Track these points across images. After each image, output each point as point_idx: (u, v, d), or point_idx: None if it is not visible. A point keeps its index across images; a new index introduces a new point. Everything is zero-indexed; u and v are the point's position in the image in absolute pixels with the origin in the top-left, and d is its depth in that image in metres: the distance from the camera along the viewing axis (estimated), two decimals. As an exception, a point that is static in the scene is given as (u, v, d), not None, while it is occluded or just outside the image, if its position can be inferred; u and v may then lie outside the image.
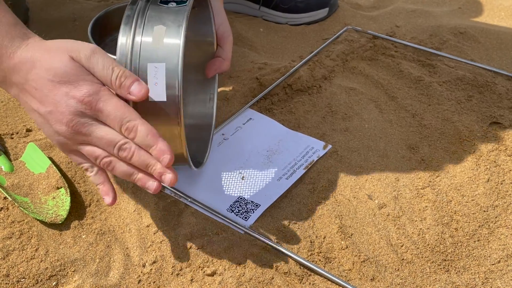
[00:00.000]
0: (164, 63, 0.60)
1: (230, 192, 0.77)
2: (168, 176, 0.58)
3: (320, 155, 0.84)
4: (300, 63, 1.05)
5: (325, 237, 0.72)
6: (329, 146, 0.86)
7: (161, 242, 0.69)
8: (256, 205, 0.75)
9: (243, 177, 0.80)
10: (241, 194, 0.77)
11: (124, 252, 0.68)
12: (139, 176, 0.59)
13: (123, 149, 0.57)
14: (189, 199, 0.74)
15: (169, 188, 0.76)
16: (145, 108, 0.59)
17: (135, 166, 0.59)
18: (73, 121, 0.57)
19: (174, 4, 0.63)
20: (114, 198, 0.63)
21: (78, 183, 0.78)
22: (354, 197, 0.78)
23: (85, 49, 0.58)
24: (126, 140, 0.57)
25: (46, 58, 0.58)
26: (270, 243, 0.68)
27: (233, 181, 0.79)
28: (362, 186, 0.80)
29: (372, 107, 0.97)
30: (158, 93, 0.59)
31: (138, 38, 0.61)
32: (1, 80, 0.62)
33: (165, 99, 0.59)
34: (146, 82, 0.59)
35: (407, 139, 0.89)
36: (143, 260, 0.67)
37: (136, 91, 0.57)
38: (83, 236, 0.70)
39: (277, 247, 0.68)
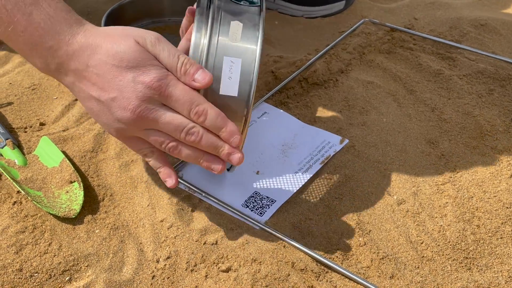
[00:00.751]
0: (241, 58, 0.60)
1: (245, 187, 0.76)
2: (236, 156, 0.59)
3: (336, 149, 0.83)
4: (316, 56, 1.04)
5: (342, 233, 0.70)
6: (346, 141, 0.85)
7: (175, 237, 0.68)
8: (272, 201, 0.74)
9: (258, 172, 0.79)
10: (256, 189, 0.76)
11: (137, 247, 0.68)
12: (205, 158, 0.60)
13: (191, 133, 0.58)
14: (203, 194, 0.74)
15: (183, 182, 0.75)
16: (213, 99, 0.59)
17: (201, 149, 0.60)
18: (140, 107, 0.57)
19: (246, 3, 0.63)
20: (176, 180, 0.64)
21: (92, 177, 0.77)
22: (372, 193, 0.76)
23: (150, 35, 0.58)
24: (194, 124, 0.57)
25: (110, 43, 0.57)
26: (286, 239, 0.67)
27: (248, 176, 0.78)
28: (381, 182, 0.78)
29: (390, 101, 0.95)
30: (231, 88, 0.59)
31: (214, 32, 0.60)
32: (56, 68, 0.59)
33: (236, 95, 0.59)
34: (220, 77, 0.59)
35: (426, 133, 0.88)
36: (157, 255, 0.66)
37: (200, 78, 0.57)
38: (97, 231, 0.69)
39: (293, 243, 0.67)
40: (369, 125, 0.89)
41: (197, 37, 0.61)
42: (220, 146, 0.59)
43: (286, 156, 0.82)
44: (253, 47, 0.60)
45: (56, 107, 0.91)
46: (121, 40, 0.57)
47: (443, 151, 0.84)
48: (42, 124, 0.87)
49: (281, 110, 0.91)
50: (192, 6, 0.69)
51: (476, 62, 1.03)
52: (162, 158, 0.64)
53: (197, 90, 0.59)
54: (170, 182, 0.64)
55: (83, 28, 0.59)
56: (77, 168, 0.78)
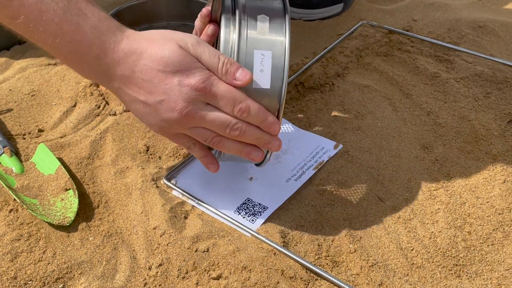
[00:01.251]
0: (271, 51, 0.61)
1: (238, 194, 0.76)
2: (276, 143, 0.63)
3: (330, 155, 0.83)
4: (313, 60, 1.04)
5: (333, 240, 0.70)
6: (340, 146, 0.85)
7: (167, 244, 0.68)
8: (264, 208, 0.74)
9: (251, 178, 0.79)
10: (248, 196, 0.76)
11: (130, 255, 0.68)
12: (246, 149, 0.64)
13: (235, 129, 0.61)
14: (196, 201, 0.74)
15: (176, 189, 0.76)
16: (247, 94, 0.61)
17: (243, 141, 0.63)
18: (187, 108, 0.59)
19: None
20: (218, 166, 0.68)
21: (87, 184, 0.78)
22: (364, 199, 0.76)
23: (190, 38, 0.60)
24: (237, 121, 0.61)
25: (154, 48, 0.59)
26: (276, 246, 0.68)
27: (241, 182, 0.78)
28: (373, 188, 0.78)
29: (386, 105, 0.95)
30: (263, 80, 0.61)
31: (243, 26, 0.62)
32: (102, 74, 0.61)
33: (268, 87, 0.61)
34: (252, 70, 0.61)
35: (421, 138, 0.87)
36: (149, 262, 0.67)
37: (241, 76, 0.60)
38: (90, 238, 0.70)
39: (283, 250, 0.67)
40: (364, 130, 0.89)
41: (226, 32, 0.62)
42: (261, 136, 0.62)
43: (280, 162, 0.82)
44: (282, 39, 0.62)
45: (54, 113, 0.92)
46: (164, 45, 0.59)
47: (437, 156, 0.84)
48: (40, 130, 0.88)
49: None
50: (205, 8, 0.71)
51: (474, 64, 1.03)
52: (203, 148, 0.67)
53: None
54: (213, 168, 0.68)
55: (126, 34, 0.61)
56: (73, 175, 0.79)
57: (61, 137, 0.86)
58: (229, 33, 0.62)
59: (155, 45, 0.59)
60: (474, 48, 1.08)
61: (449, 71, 1.02)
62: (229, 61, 0.60)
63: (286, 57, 0.62)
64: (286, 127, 0.89)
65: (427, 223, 0.73)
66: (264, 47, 0.61)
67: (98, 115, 0.90)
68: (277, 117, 0.63)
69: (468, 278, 0.66)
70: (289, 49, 0.62)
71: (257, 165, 0.72)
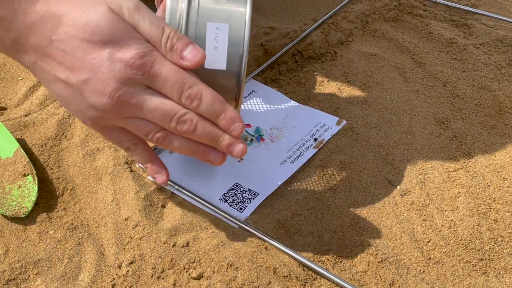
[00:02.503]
0: (228, 24, 0.51)
1: (224, 178, 0.69)
2: (239, 147, 0.51)
3: (333, 132, 0.75)
4: (313, 26, 0.95)
5: (335, 231, 0.63)
6: (344, 122, 0.77)
7: (140, 238, 0.61)
8: (254, 194, 0.66)
9: (241, 159, 0.71)
10: (236, 181, 0.68)
11: (97, 251, 0.61)
12: (201, 149, 0.53)
13: (182, 122, 0.50)
14: (176, 187, 0.67)
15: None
16: (197, 76, 0.50)
17: (194, 139, 0.52)
18: (119, 91, 0.48)
19: None
20: (167, 175, 0.57)
21: (51, 168, 0.70)
22: (372, 183, 0.69)
23: (127, 2, 0.49)
24: (186, 111, 0.49)
25: (78, 11, 0.48)
26: (268, 239, 0.60)
27: (228, 165, 0.70)
28: (382, 169, 0.70)
29: (396, 75, 0.87)
30: (217, 60, 0.51)
31: None
32: (11, 44, 0.50)
33: (224, 68, 0.51)
34: (204, 48, 0.51)
35: (436, 112, 0.79)
36: (119, 260, 0.59)
37: (190, 55, 0.48)
38: (51, 232, 0.62)
39: (277, 244, 0.60)
40: (370, 104, 0.81)
41: (173, 1, 0.51)
42: (219, 137, 0.51)
43: (273, 142, 0.74)
44: (242, 9, 0.52)
45: (20, 89, 0.83)
46: (91, 7, 0.48)
47: (455, 132, 0.76)
48: (3, 108, 0.80)
49: (271, 88, 0.84)
50: None
51: (495, 28, 0.95)
52: (148, 151, 0.56)
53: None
54: (161, 178, 0.56)
55: None
56: (35, 159, 0.70)
57: (25, 116, 0.78)
58: (176, 2, 0.51)
59: (80, 8, 0.48)
60: (495, 10, 1.01)
61: (467, 37, 0.94)
62: (176, 34, 0.49)
63: (246, 31, 0.51)
64: (282, 101, 0.81)
65: (446, 210, 0.65)
66: (220, 19, 0.51)
67: (68, 90, 0.81)
68: (235, 106, 0.52)
69: (496, 275, 0.57)
70: (249, 22, 0.51)
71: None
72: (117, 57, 0.47)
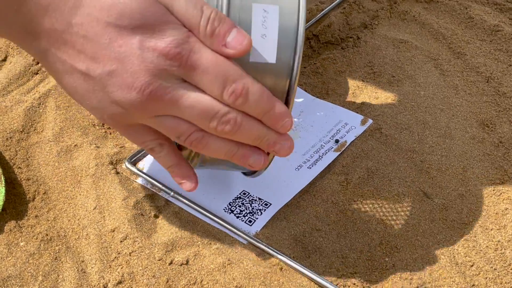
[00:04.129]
0: (278, 5, 0.51)
1: (230, 185, 0.71)
2: (287, 144, 0.53)
3: (357, 133, 0.78)
4: (332, 5, 0.99)
5: (362, 251, 0.66)
6: (370, 121, 0.80)
7: (130, 254, 0.64)
8: (265, 204, 0.69)
9: None
10: (244, 188, 0.71)
11: (77, 267, 0.63)
12: (240, 152, 0.54)
13: (225, 122, 0.51)
14: (172, 193, 0.70)
15: (144, 176, 0.71)
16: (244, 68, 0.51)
17: (237, 140, 0.53)
18: (151, 85, 0.49)
19: None
20: (197, 181, 0.58)
21: (19, 167, 0.72)
22: (404, 194, 0.71)
23: None
24: (228, 109, 0.50)
25: None
26: (283, 258, 0.63)
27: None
28: (416, 179, 0.73)
29: (430, 67, 0.90)
30: (265, 51, 0.51)
31: None
32: (20, 29, 0.51)
33: (274, 61, 0.51)
34: (248, 33, 0.51)
35: (479, 112, 0.83)
36: (104, 279, 0.62)
37: (234, 42, 0.49)
38: (22, 244, 0.65)
39: (294, 264, 0.62)
40: (401, 100, 0.84)
41: None
42: (264, 135, 0.52)
43: None
44: None
45: (-23, 70, 0.85)
46: None
47: (501, 137, 0.79)
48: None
49: None
50: None
51: None
52: (174, 153, 0.58)
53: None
54: (189, 185, 0.58)
55: None
56: None
57: (-15, 103, 0.79)
58: None
59: None
60: (547, -6, 1.03)
61: (514, 24, 0.97)
62: (218, 15, 0.49)
63: (301, 16, 0.52)
64: (296, 95, 0.83)
65: (491, 229, 0.68)
66: (268, 0, 0.52)
67: (37, 73, 0.84)
68: (286, 105, 0.54)
69: (550, 307, 0.60)
70: (305, 4, 0.52)
71: (247, 174, 0.63)
72: (149, 46, 0.48)
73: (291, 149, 0.54)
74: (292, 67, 0.52)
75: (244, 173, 0.63)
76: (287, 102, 0.53)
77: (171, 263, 0.62)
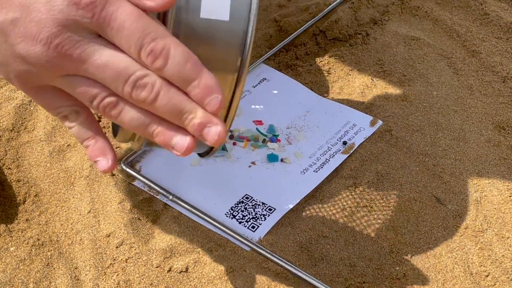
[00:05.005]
0: None
1: (232, 188, 0.72)
2: (215, 130, 0.48)
3: (366, 135, 0.79)
4: None
5: (371, 259, 0.66)
6: (379, 123, 0.81)
7: (126, 260, 0.64)
8: (269, 209, 0.69)
9: (252, 163, 0.74)
10: (247, 192, 0.71)
11: (71, 274, 0.63)
12: (160, 129, 0.50)
13: (141, 86, 0.48)
14: (170, 197, 0.70)
15: (141, 178, 0.71)
16: (186, 29, 0.49)
17: (154, 112, 0.50)
18: (59, 37, 0.47)
19: None
20: (114, 161, 0.53)
21: (9, 168, 0.73)
22: (416, 200, 0.72)
23: None
24: (146, 72, 0.48)
25: None
26: (288, 266, 0.63)
27: (236, 171, 0.74)
28: (428, 184, 0.74)
29: (443, 66, 0.90)
30: (216, 7, 0.49)
31: None
32: None
33: (227, 19, 0.49)
34: None
35: (494, 114, 0.83)
36: (99, 287, 0.62)
37: None
38: (12, 249, 0.65)
39: (299, 273, 0.63)
40: (412, 101, 0.84)
41: None
42: (189, 111, 0.49)
43: (292, 144, 0.78)
44: None
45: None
46: None
47: None
48: None
49: (287, 76, 0.87)
50: None
51: None
52: (92, 124, 0.54)
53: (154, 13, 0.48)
54: (104, 163, 0.53)
55: None
56: None
57: (-27, 99, 0.80)
58: None
59: None
60: None
61: (531, 21, 0.98)
62: None
63: None
64: (301, 93, 0.85)
65: (508, 237, 0.68)
66: None
67: (28, 69, 0.83)
68: (236, 83, 0.51)
69: None
70: None
71: (202, 155, 0.59)
72: None
73: (221, 137, 0.48)
74: (249, 25, 0.49)
75: (199, 154, 0.59)
76: (239, 76, 0.50)
77: (169, 270, 0.63)
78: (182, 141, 0.49)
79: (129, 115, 0.49)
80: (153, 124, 0.50)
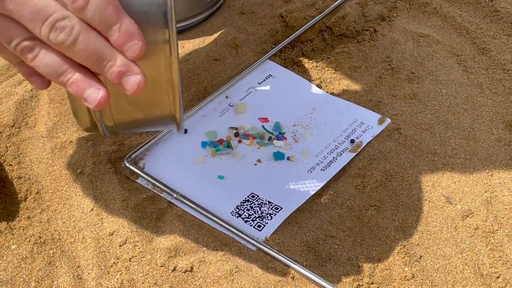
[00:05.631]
0: None
1: (237, 187, 0.72)
2: (134, 78, 0.48)
3: (374, 133, 0.79)
4: None
5: (379, 260, 0.66)
6: (388, 121, 0.81)
7: (130, 259, 0.64)
8: (276, 208, 0.70)
9: (258, 161, 0.75)
10: (253, 190, 0.72)
11: (73, 273, 0.63)
12: (76, 77, 0.49)
13: (59, 28, 0.47)
14: (175, 195, 0.70)
15: (145, 176, 0.72)
16: None
17: (72, 58, 0.49)
18: None
19: None
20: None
21: (10, 164, 0.73)
22: (425, 200, 0.72)
23: None
24: (66, 13, 0.47)
25: None
26: (295, 266, 0.64)
27: (242, 169, 0.74)
28: (437, 183, 0.74)
29: (453, 64, 0.91)
30: None
31: None
32: None
33: None
34: None
35: (505, 113, 0.84)
36: (102, 286, 0.62)
37: None
38: (13, 247, 0.65)
39: (306, 273, 0.63)
40: (421, 99, 0.85)
41: None
42: (108, 57, 0.48)
43: (298, 142, 0.78)
44: None
45: (-37, 59, 0.85)
46: None
47: None
48: None
49: (293, 73, 0.88)
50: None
51: None
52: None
53: None
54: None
55: None
56: None
57: (-28, 94, 0.80)
58: None
59: None
60: None
61: (543, 18, 0.98)
62: None
63: None
64: (307, 90, 0.85)
65: None
66: None
67: (29, 63, 0.84)
68: (170, 46, 0.50)
69: None
70: None
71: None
72: None
73: (139, 86, 0.48)
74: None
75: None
76: (169, 36, 0.49)
77: (174, 269, 0.63)
78: (95, 93, 0.49)
79: (44, 60, 0.49)
80: (69, 72, 0.49)
